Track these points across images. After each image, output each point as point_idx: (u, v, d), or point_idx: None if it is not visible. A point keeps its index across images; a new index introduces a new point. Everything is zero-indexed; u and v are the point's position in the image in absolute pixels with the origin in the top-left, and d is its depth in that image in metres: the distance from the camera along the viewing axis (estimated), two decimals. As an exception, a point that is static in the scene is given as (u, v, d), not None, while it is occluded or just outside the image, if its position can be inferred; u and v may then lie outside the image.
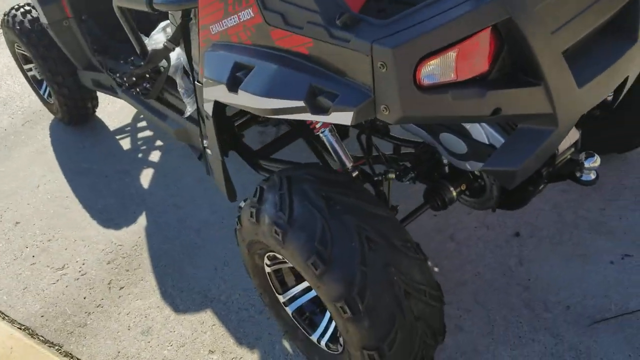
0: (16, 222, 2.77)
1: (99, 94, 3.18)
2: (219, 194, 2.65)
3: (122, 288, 2.36)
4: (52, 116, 3.44)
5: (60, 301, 2.35)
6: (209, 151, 2.08)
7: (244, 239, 1.79)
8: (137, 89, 2.41)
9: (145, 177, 2.91)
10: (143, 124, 3.30)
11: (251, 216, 1.64)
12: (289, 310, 1.91)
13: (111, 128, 3.30)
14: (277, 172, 1.70)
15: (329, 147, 1.91)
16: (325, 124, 1.87)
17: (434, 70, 1.23)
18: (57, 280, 2.44)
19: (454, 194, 1.95)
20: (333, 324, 1.80)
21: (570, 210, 2.28)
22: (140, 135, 3.21)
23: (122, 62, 2.51)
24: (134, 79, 2.37)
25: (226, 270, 2.37)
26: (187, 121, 2.27)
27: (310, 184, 1.58)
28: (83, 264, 2.49)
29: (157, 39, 2.33)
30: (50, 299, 2.36)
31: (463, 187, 1.96)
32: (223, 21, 1.59)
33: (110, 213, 2.73)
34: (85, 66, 2.88)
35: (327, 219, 1.49)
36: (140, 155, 3.07)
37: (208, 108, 1.74)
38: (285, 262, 1.81)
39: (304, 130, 2.14)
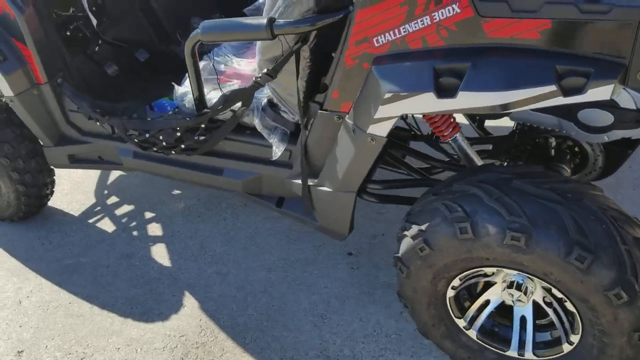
0: (18, 352, 2.13)
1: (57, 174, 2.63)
2: (260, 246, 2.39)
3: (224, 381, 1.95)
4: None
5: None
6: (325, 188, 1.85)
7: (431, 265, 1.62)
8: (180, 147, 2.05)
9: (160, 255, 2.47)
10: (114, 198, 2.80)
11: (461, 232, 1.50)
12: (472, 333, 1.77)
13: (74, 212, 2.74)
14: (457, 181, 1.60)
15: (458, 151, 1.85)
16: (455, 130, 1.81)
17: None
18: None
19: (569, 172, 2.01)
20: (529, 330, 1.71)
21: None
22: (119, 210, 2.72)
23: (142, 119, 2.11)
24: (179, 134, 2.01)
25: (328, 322, 2.11)
26: (267, 166, 2.00)
27: (522, 180, 1.51)
28: (153, 371, 2.01)
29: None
30: None
31: (573, 164, 2.04)
32: (401, 27, 1.45)
33: (143, 305, 2.25)
34: (57, 141, 2.36)
35: (571, 208, 1.43)
36: (135, 232, 2.59)
37: (380, 129, 1.55)
38: (479, 276, 1.69)
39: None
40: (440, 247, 1.56)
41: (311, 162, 1.87)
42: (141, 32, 2.70)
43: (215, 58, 2.18)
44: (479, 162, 1.85)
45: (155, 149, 2.11)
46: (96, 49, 2.52)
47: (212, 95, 2.02)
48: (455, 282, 1.67)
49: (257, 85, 1.79)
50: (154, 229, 2.60)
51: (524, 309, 1.68)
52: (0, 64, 2.12)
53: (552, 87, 1.32)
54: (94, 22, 2.53)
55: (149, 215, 2.67)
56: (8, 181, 2.41)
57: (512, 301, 1.63)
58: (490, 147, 2.22)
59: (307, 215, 2.00)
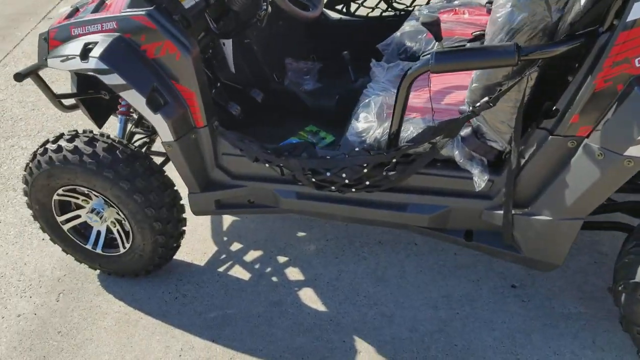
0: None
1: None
2: (414, 284, 2.37)
3: None
4: (85, 276, 2.54)
5: None
6: (543, 217, 1.78)
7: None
8: (365, 184, 1.96)
9: (311, 300, 2.33)
10: (237, 244, 2.64)
11: None
12: None
13: (199, 262, 2.58)
14: None
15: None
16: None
17: None
18: None
19: None
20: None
21: None
22: (248, 257, 2.57)
23: (322, 157, 2.01)
24: (365, 171, 1.92)
25: (523, 358, 2.02)
26: (460, 198, 1.93)
27: None
28: None
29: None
30: None
31: None
32: (670, 46, 1.42)
33: (314, 354, 2.12)
34: (204, 187, 2.24)
35: None
36: (274, 279, 2.44)
37: None
38: None
39: None
40: None
41: (520, 190, 1.81)
42: (243, 73, 2.62)
43: (379, 92, 2.12)
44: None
45: (333, 188, 2.01)
46: (213, 91, 2.42)
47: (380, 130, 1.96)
48: None
49: (473, 115, 1.73)
50: (294, 274, 2.47)
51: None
52: (162, 108, 2.01)
53: None
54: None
55: (282, 259, 2.54)
56: (149, 232, 2.26)
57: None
58: None
59: (507, 248, 1.93)
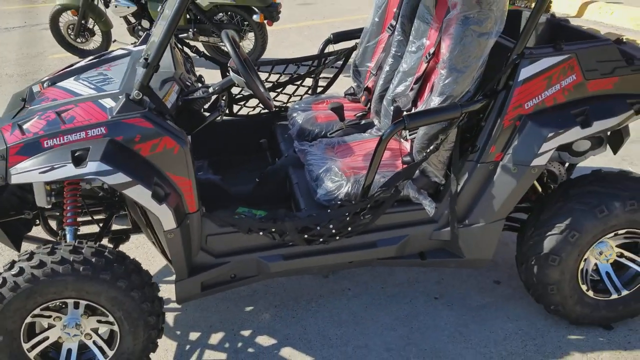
0: None
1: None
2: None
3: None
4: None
5: None
6: (477, 224, 2.49)
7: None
8: (347, 230, 2.40)
9: (292, 353, 2.58)
10: (194, 334, 2.71)
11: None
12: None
13: (162, 356, 2.57)
14: None
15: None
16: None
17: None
18: None
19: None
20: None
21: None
22: (212, 339, 2.67)
23: (310, 215, 2.38)
24: (348, 219, 2.38)
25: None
26: (414, 227, 2.51)
27: None
28: None
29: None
30: None
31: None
32: (542, 93, 2.35)
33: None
34: (186, 273, 2.37)
35: None
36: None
37: (541, 160, 2.33)
38: None
39: None
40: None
41: (459, 209, 2.50)
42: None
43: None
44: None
45: (321, 239, 2.40)
46: None
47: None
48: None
49: (426, 158, 2.38)
50: (265, 340, 2.66)
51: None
52: (164, 200, 2.16)
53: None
54: None
55: (246, 333, 2.71)
56: (142, 329, 2.25)
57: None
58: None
59: (451, 256, 2.58)
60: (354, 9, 9.50)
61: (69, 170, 2.07)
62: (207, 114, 2.54)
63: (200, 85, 2.84)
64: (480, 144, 2.41)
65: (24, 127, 2.21)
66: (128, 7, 6.27)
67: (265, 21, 6.16)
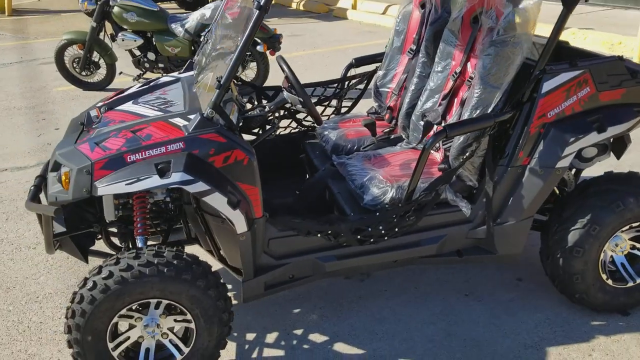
0: None
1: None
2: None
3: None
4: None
5: None
6: (508, 222, 2.78)
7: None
8: (395, 230, 2.66)
9: (346, 348, 2.81)
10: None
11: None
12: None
13: (222, 354, 2.77)
14: None
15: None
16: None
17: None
18: None
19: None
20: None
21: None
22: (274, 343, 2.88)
23: (361, 217, 2.64)
24: (395, 220, 2.64)
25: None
26: (452, 227, 2.79)
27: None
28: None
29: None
30: None
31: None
32: (563, 104, 2.67)
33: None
34: (252, 274, 2.60)
35: None
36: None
37: (564, 162, 2.65)
38: None
39: None
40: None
41: (492, 209, 2.79)
42: None
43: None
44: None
45: (372, 240, 2.66)
46: None
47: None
48: None
49: (463, 164, 2.67)
50: (316, 337, 2.88)
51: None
52: (237, 206, 2.40)
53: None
54: None
55: (298, 332, 2.92)
56: (217, 326, 2.45)
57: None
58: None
59: (485, 252, 2.85)
60: (340, 39, 9.89)
61: (155, 181, 2.30)
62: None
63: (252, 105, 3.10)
64: (509, 150, 2.72)
65: (103, 145, 2.44)
66: (135, 41, 6.52)
67: (268, 51, 6.48)
